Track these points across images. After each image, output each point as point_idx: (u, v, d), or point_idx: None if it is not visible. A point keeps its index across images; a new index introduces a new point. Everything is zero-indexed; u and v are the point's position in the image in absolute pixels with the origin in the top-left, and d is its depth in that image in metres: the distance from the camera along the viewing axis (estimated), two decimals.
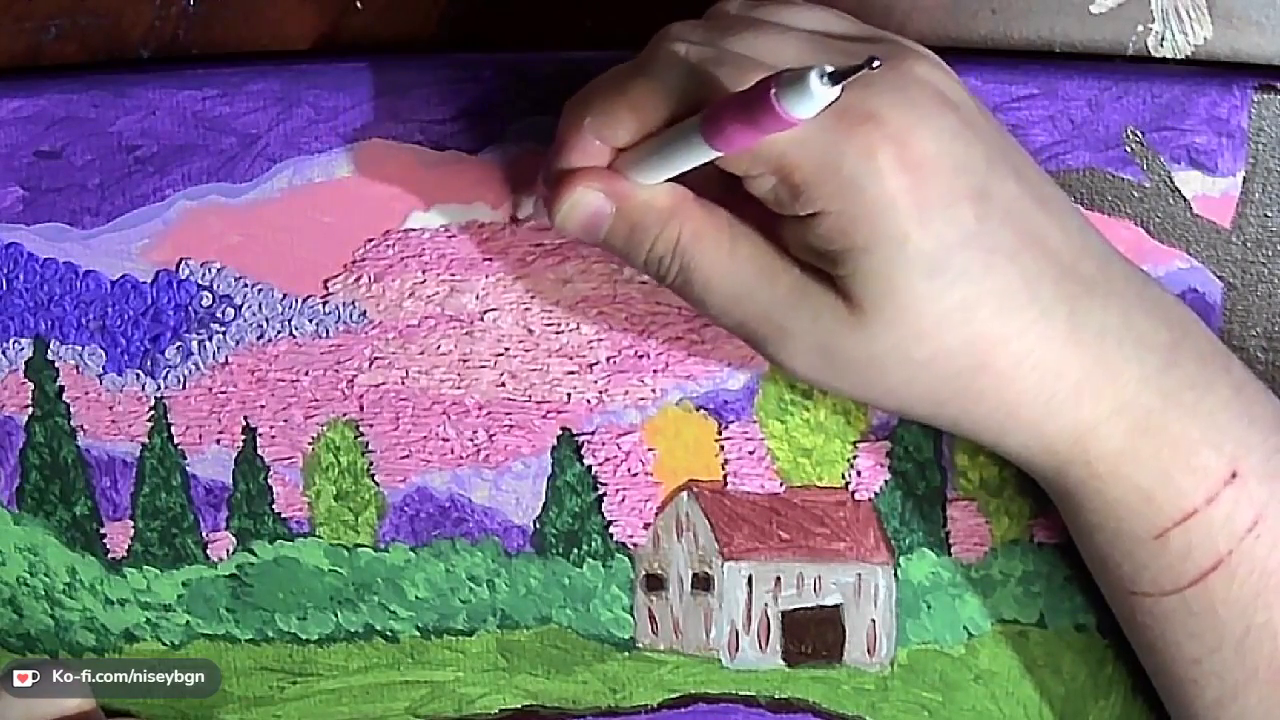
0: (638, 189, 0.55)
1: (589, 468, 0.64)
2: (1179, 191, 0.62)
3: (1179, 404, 0.56)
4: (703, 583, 0.64)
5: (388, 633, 0.65)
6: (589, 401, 0.64)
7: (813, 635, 0.65)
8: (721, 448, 0.64)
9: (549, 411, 0.64)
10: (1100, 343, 0.55)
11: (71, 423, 0.64)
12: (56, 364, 0.64)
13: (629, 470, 0.64)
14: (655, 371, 0.63)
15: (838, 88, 0.47)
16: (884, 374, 0.55)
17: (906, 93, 0.53)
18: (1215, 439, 0.56)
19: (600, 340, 0.63)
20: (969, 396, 0.55)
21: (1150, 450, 0.56)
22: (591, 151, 0.55)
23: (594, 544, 0.64)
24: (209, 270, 0.63)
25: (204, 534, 0.65)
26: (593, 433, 0.64)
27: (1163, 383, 0.56)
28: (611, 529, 0.64)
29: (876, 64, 0.46)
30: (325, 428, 0.64)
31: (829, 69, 0.47)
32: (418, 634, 0.65)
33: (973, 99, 0.55)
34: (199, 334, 0.64)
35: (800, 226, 0.54)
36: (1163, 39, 0.63)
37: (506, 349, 0.63)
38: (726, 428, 0.64)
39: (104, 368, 0.64)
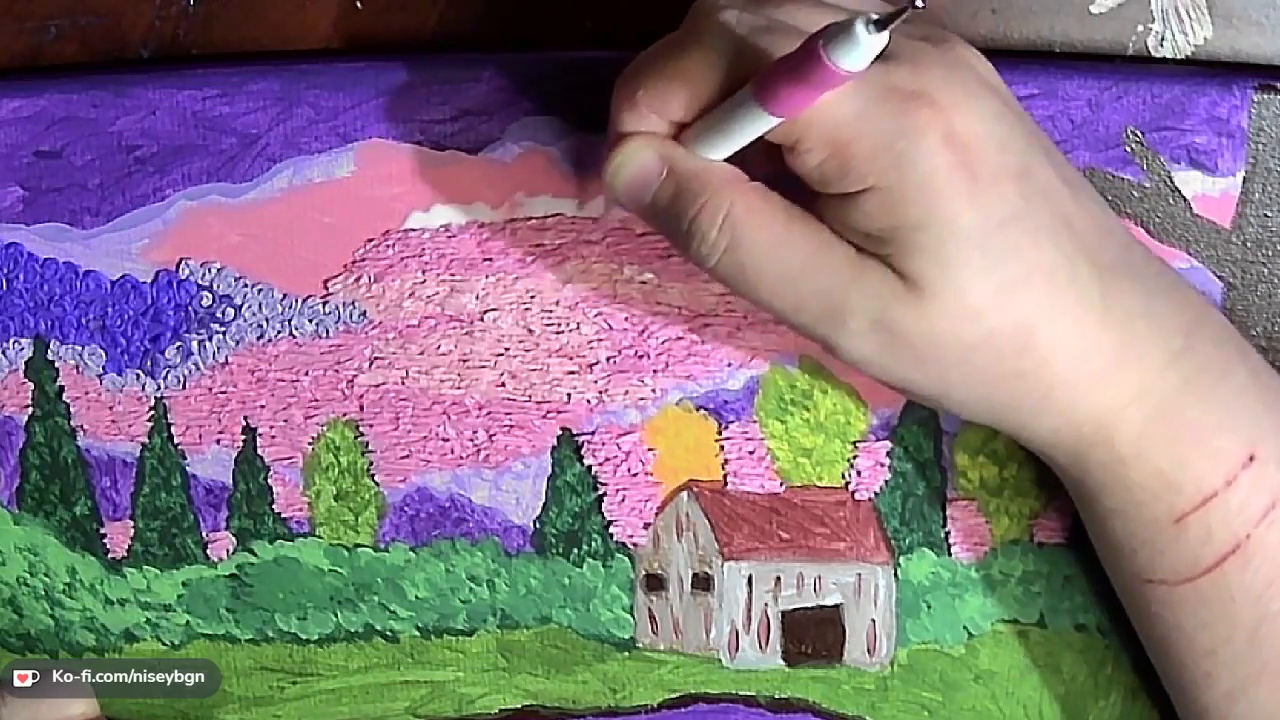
0: (692, 155, 0.55)
1: (589, 468, 0.64)
2: (1179, 191, 0.62)
3: (1198, 387, 0.56)
4: (703, 583, 0.64)
5: (388, 633, 0.65)
6: (589, 401, 0.64)
7: (813, 635, 0.64)
8: (721, 448, 0.64)
9: (549, 411, 0.64)
10: (1128, 325, 0.55)
11: (71, 423, 0.64)
12: (56, 364, 0.64)
13: (629, 470, 0.64)
14: (655, 371, 0.63)
15: (885, 34, 0.48)
16: (939, 354, 0.55)
17: (955, 72, 0.54)
18: (1232, 423, 0.56)
19: (600, 340, 0.63)
20: (1009, 379, 0.55)
21: (1170, 434, 0.56)
22: (649, 126, 0.55)
23: (594, 544, 0.64)
24: (209, 270, 0.63)
25: (204, 534, 0.65)
26: (593, 433, 0.64)
27: (1182, 366, 0.56)
28: (611, 529, 0.64)
29: (921, 3, 0.47)
30: (325, 428, 0.64)
31: (874, 16, 0.48)
32: (418, 634, 0.65)
33: (1005, 86, 0.56)
34: (199, 334, 0.64)
35: (845, 206, 0.54)
36: (1163, 39, 0.63)
37: (506, 349, 0.63)
38: (726, 428, 0.64)
39: (104, 368, 0.64)
